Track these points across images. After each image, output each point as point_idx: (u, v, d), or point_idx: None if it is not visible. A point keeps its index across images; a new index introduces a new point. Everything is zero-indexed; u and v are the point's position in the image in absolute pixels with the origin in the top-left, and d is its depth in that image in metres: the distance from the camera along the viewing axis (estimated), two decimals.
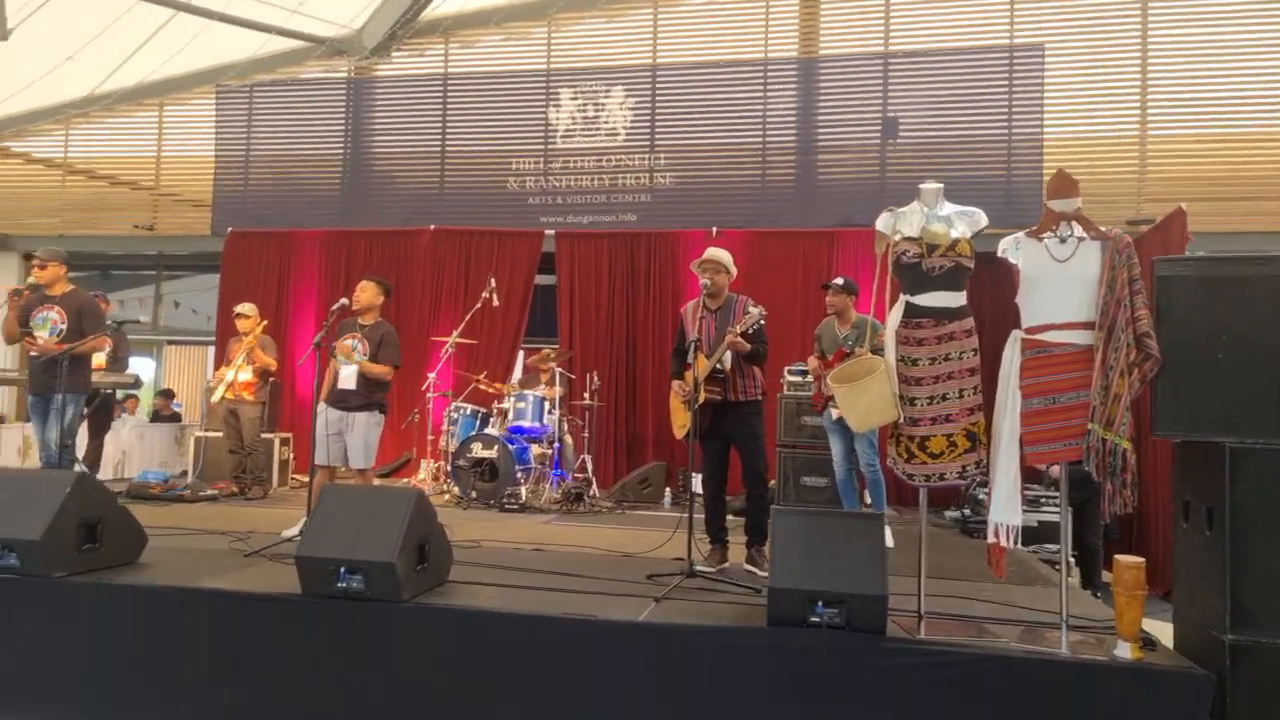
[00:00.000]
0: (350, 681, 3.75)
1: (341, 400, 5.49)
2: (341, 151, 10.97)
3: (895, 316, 3.78)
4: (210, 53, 11.57)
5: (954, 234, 3.76)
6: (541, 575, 4.53)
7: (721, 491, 5.13)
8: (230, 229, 10.72)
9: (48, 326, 5.67)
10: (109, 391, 7.69)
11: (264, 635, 3.87)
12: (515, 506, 7.08)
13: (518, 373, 9.61)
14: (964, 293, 3.76)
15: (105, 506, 4.38)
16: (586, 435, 8.14)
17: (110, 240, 11.67)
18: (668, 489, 8.06)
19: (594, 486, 7.87)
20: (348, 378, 5.45)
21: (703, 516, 5.03)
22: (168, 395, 10.85)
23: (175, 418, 10.64)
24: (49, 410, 5.61)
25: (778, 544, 3.68)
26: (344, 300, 5.48)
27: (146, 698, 3.89)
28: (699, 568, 4.60)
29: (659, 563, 4.90)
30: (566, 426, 8.24)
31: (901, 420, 3.71)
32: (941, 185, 3.89)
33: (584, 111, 10.54)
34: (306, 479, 9.13)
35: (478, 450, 7.49)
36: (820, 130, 9.95)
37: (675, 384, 4.97)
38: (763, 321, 4.81)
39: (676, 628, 3.66)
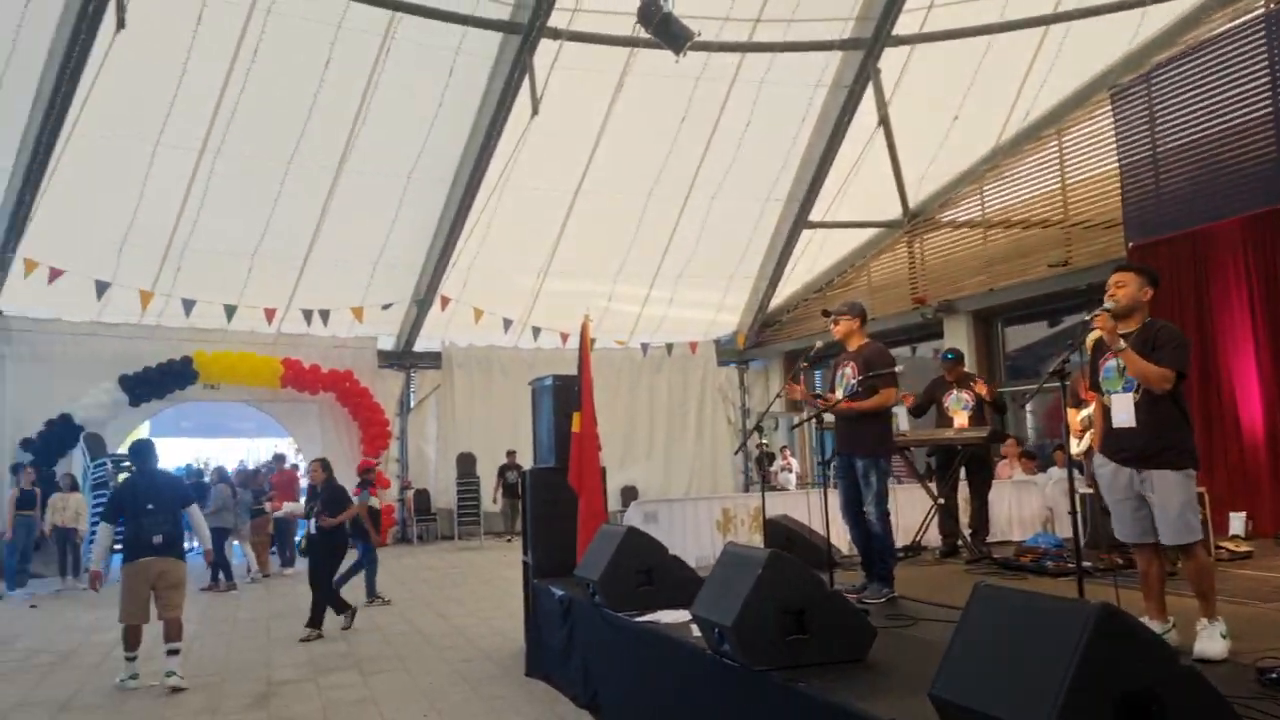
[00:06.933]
0: None
1: (1123, 449, 3.67)
2: (1270, 107, 8.31)
3: None
4: (1096, 56, 10.36)
5: None
6: None
7: None
8: (1130, 243, 9.09)
9: (844, 385, 5.38)
10: (969, 448, 7.03)
11: None
12: None
13: None
14: None
15: (809, 593, 3.76)
16: None
17: (1029, 285, 11.19)
18: None
19: None
20: (1123, 412, 3.61)
21: None
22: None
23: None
24: (849, 474, 5.29)
25: None
26: (1108, 306, 3.71)
27: None
28: None
29: None
30: None
31: None
32: None
33: None
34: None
35: None
36: None
37: None
38: None
39: None
